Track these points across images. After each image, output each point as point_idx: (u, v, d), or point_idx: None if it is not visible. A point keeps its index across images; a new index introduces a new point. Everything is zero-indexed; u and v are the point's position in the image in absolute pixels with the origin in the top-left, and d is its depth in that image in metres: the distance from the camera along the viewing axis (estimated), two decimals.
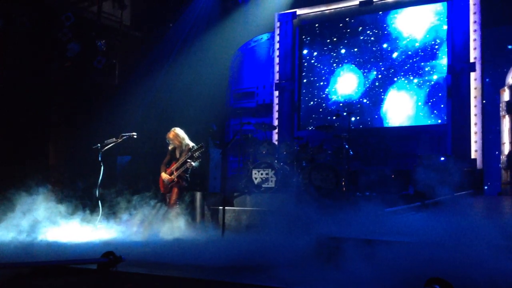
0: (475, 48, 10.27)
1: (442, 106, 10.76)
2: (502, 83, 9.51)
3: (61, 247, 6.31)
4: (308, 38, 12.63)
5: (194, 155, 8.03)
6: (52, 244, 6.52)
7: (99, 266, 5.06)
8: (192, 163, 8.02)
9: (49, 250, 6.10)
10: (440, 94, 10.85)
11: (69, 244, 6.52)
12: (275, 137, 12.30)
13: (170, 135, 8.29)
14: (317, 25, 12.54)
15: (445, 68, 10.69)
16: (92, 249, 5.91)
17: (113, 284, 4.81)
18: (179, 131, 8.32)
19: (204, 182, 9.09)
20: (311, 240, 5.67)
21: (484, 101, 10.24)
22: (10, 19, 10.14)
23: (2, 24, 9.98)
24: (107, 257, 5.06)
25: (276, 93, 12.62)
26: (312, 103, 12.42)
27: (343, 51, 12.10)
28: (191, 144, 8.27)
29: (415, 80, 11.15)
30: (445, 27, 10.81)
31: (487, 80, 10.41)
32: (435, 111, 10.87)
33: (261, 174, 9.41)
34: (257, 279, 4.72)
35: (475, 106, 10.16)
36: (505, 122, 9.19)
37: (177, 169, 8.13)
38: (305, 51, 12.64)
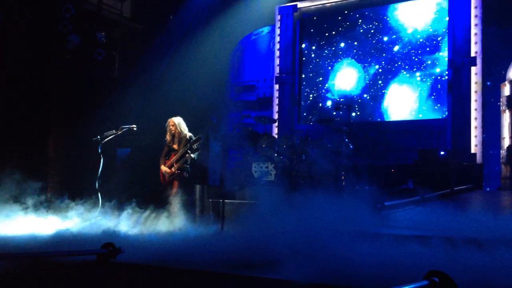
0: (476, 43, 10.25)
1: (444, 99, 10.73)
2: (503, 78, 9.52)
3: (60, 238, 6.32)
4: (309, 32, 12.60)
5: (193, 146, 8.00)
6: (51, 235, 6.53)
7: (98, 257, 5.07)
8: (192, 155, 8.01)
9: (48, 241, 6.10)
10: (440, 87, 10.84)
11: (69, 235, 6.52)
12: (275, 130, 12.29)
13: (171, 122, 8.26)
14: (318, 18, 12.51)
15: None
16: (92, 240, 5.92)
17: (113, 275, 4.82)
18: (180, 120, 8.31)
19: (204, 175, 9.06)
20: (311, 233, 5.67)
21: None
22: (11, 11, 10.10)
23: (3, 16, 9.94)
24: (107, 248, 5.07)
25: (277, 86, 12.60)
26: (312, 96, 12.40)
27: (343, 44, 12.08)
28: (189, 134, 8.25)
29: (417, 74, 11.12)
30: (448, 18, 10.77)
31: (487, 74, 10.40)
32: (437, 105, 10.85)
33: (261, 167, 9.39)
34: (256, 272, 4.73)
35: (476, 100, 10.15)
36: (505, 117, 9.20)
37: (176, 161, 8.12)
38: (305, 45, 12.61)
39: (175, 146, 8.26)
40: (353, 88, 11.87)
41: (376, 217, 6.74)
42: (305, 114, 12.43)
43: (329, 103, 12.10)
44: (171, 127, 8.24)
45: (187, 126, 8.40)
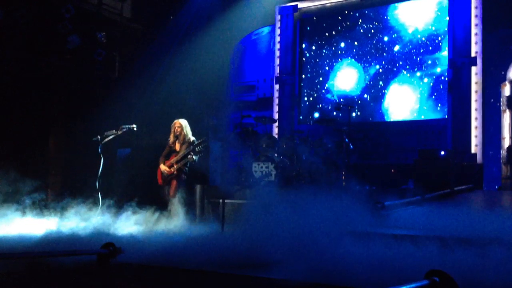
0: (476, 43, 10.24)
1: (445, 99, 10.73)
2: (503, 78, 9.51)
3: (60, 237, 6.31)
4: (309, 32, 12.60)
5: (196, 149, 7.99)
6: (50, 235, 6.52)
7: (98, 257, 5.06)
8: (194, 156, 8.00)
9: (47, 241, 6.09)
10: (441, 87, 10.84)
11: (69, 235, 6.52)
12: (275, 130, 12.30)
13: (177, 123, 8.23)
14: (318, 18, 12.51)
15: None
16: (92, 240, 5.92)
17: (113, 275, 4.82)
18: (186, 123, 8.30)
19: (204, 175, 9.08)
20: (311, 233, 5.67)
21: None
22: (10, 11, 10.10)
23: (3, 16, 9.94)
24: (107, 248, 5.07)
25: (277, 86, 12.60)
26: (312, 97, 12.40)
27: (343, 44, 12.08)
28: (193, 138, 8.26)
29: (418, 74, 11.12)
30: (448, 18, 10.76)
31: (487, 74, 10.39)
32: (438, 105, 10.85)
33: (261, 167, 9.39)
34: (257, 271, 4.73)
35: (476, 100, 10.15)
36: (506, 117, 9.20)
37: (177, 162, 8.11)
38: (305, 45, 12.61)
39: (177, 148, 8.24)
40: (353, 88, 11.87)
41: (376, 217, 6.73)
42: (305, 114, 12.43)
43: (330, 102, 12.08)
44: (177, 128, 8.21)
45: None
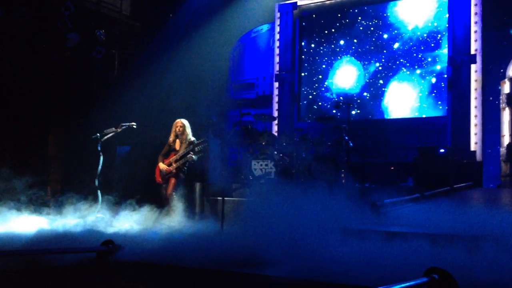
0: (476, 40, 10.23)
1: (445, 97, 10.72)
2: (503, 76, 9.51)
3: (59, 235, 6.32)
4: (308, 29, 12.59)
5: (196, 148, 8.02)
6: (50, 233, 6.53)
7: (98, 254, 5.07)
8: (193, 156, 8.02)
9: (47, 238, 6.10)
10: (441, 85, 10.84)
11: (68, 233, 6.53)
12: (275, 128, 12.29)
13: (179, 123, 8.27)
14: (317, 16, 12.49)
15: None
16: (91, 238, 5.92)
17: (113, 273, 4.82)
18: (187, 123, 8.35)
19: (204, 173, 9.07)
20: (310, 231, 5.67)
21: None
22: (10, 9, 10.09)
23: (2, 15, 9.93)
24: (107, 246, 5.08)
25: (276, 84, 12.59)
26: (311, 95, 12.39)
27: (342, 42, 12.06)
28: (193, 138, 8.29)
29: (418, 71, 11.10)
30: (448, 15, 10.74)
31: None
32: (438, 103, 10.84)
33: (261, 165, 9.39)
34: (256, 269, 4.74)
35: (475, 98, 10.15)
36: (505, 115, 9.19)
37: (176, 161, 8.12)
38: (305, 42, 12.60)
39: (177, 147, 8.27)
40: (352, 86, 11.86)
41: (376, 214, 6.74)
42: (304, 111, 12.42)
43: (329, 100, 12.06)
44: (179, 127, 8.25)
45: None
